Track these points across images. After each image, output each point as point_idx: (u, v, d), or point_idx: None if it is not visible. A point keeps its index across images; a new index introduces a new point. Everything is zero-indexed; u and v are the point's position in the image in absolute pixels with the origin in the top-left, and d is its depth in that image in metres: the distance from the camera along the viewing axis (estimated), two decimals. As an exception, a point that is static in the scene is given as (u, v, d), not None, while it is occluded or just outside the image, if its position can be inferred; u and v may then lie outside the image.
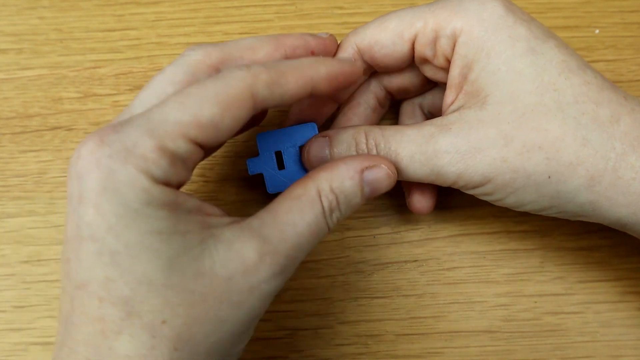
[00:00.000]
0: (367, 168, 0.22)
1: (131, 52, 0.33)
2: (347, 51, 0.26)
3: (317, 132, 0.26)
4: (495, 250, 0.29)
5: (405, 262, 0.29)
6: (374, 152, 0.24)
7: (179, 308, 0.19)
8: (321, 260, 0.29)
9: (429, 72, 0.26)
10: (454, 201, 0.30)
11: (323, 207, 0.21)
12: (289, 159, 0.26)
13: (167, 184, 0.19)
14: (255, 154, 0.26)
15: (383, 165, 0.23)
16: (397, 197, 0.30)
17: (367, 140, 0.24)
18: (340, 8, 0.33)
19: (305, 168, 0.26)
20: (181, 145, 0.19)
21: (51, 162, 0.31)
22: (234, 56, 0.22)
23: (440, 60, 0.25)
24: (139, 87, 0.32)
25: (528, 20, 0.24)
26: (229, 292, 0.19)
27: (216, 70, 0.22)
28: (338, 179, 0.22)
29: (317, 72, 0.22)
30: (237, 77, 0.20)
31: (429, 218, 0.30)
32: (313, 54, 0.24)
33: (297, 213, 0.21)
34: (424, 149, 0.23)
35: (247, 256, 0.20)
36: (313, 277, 0.29)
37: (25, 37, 0.33)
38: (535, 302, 0.29)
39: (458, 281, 0.29)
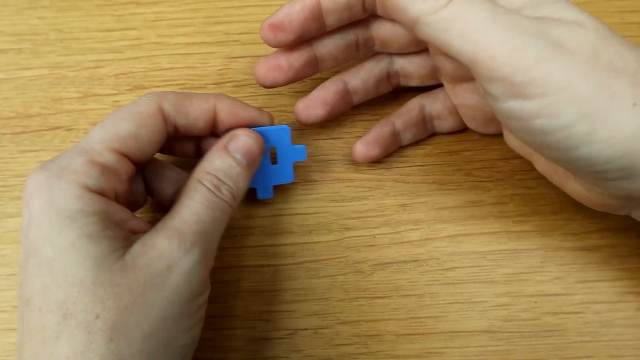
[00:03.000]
0: (228, 142, 0.25)
1: (131, 52, 0.33)
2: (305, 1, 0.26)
3: (289, 134, 0.28)
4: (495, 250, 0.29)
5: (405, 262, 0.29)
6: None
7: (109, 301, 0.20)
8: (321, 260, 0.29)
9: None
10: (454, 201, 0.30)
11: (206, 187, 0.24)
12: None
13: (100, 193, 0.21)
14: None
15: (239, 132, 0.25)
16: (397, 197, 0.30)
17: None
18: (340, 8, 0.33)
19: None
20: (109, 158, 0.22)
21: (51, 162, 0.31)
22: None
23: None
24: (139, 87, 0.32)
25: None
26: (150, 277, 0.21)
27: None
28: (208, 162, 0.24)
29: (221, 103, 0.25)
30: (148, 98, 0.24)
31: (429, 218, 0.30)
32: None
33: (187, 200, 0.23)
34: (512, 17, 0.21)
35: (158, 244, 0.22)
36: (313, 277, 0.29)
37: (25, 37, 0.33)
38: (535, 302, 0.29)
39: (458, 281, 0.29)
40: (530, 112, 0.20)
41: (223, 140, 0.25)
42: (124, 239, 0.22)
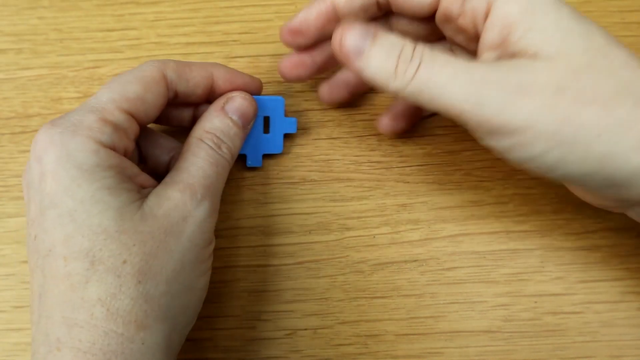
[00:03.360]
0: (225, 103, 0.27)
1: (131, 52, 0.33)
2: (320, 6, 0.26)
3: (283, 105, 0.29)
4: (495, 250, 0.29)
5: (405, 262, 0.29)
6: (415, 64, 0.23)
7: (134, 247, 0.22)
8: (321, 260, 0.29)
9: (448, 32, 0.26)
10: (454, 201, 0.30)
11: (208, 145, 0.25)
12: (254, 126, 0.29)
13: (113, 149, 0.23)
14: None
15: (235, 94, 0.27)
16: (397, 197, 0.30)
17: (414, 50, 0.23)
18: (340, 8, 0.33)
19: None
20: (119, 116, 0.23)
21: (51, 162, 0.31)
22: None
23: (465, 20, 0.24)
24: (138, 87, 0.32)
25: None
26: (169, 226, 0.23)
27: None
28: (208, 121, 0.26)
29: (218, 71, 0.27)
30: (151, 64, 0.25)
31: (429, 218, 0.30)
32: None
33: (192, 157, 0.25)
34: (471, 72, 0.22)
35: (171, 196, 0.23)
36: (313, 277, 0.29)
37: (25, 37, 0.33)
38: (535, 302, 0.29)
39: (458, 281, 0.29)
40: (505, 147, 0.23)
41: (220, 101, 0.27)
42: (138, 191, 0.23)
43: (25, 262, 0.30)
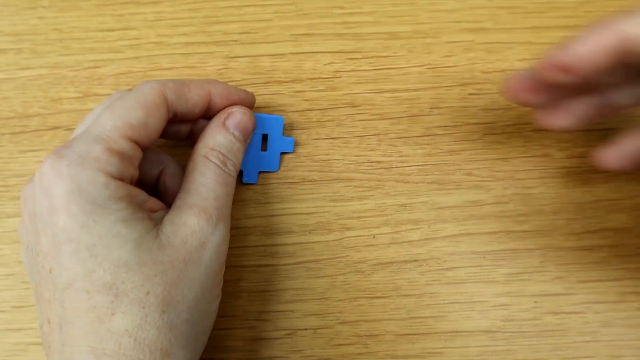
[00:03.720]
0: (225, 119, 0.27)
1: (131, 52, 0.33)
2: (601, 39, 0.21)
3: (282, 125, 0.30)
4: (495, 250, 0.29)
5: (405, 262, 0.29)
6: None
7: (156, 278, 0.22)
8: (321, 260, 0.29)
9: None
10: (454, 201, 0.30)
11: (215, 163, 0.25)
12: (252, 143, 0.30)
13: (121, 179, 0.23)
14: None
15: (235, 109, 0.27)
16: (397, 197, 0.30)
17: None
18: (341, 8, 0.33)
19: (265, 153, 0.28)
20: (124, 145, 0.23)
21: (51, 162, 0.31)
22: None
23: None
24: (138, 87, 0.32)
25: None
26: (187, 254, 0.23)
27: None
28: (211, 138, 0.26)
29: (214, 88, 0.27)
30: (151, 86, 0.25)
31: (429, 218, 0.30)
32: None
33: (201, 176, 0.25)
34: None
35: (188, 222, 0.23)
36: (313, 277, 0.29)
37: (24, 37, 0.33)
38: (535, 302, 0.29)
39: (458, 281, 0.29)
40: None
41: (221, 117, 0.27)
42: (150, 219, 0.23)
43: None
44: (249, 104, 0.28)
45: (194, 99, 0.26)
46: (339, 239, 0.30)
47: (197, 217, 0.23)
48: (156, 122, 0.24)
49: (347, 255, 0.29)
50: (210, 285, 0.24)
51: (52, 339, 0.22)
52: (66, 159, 0.22)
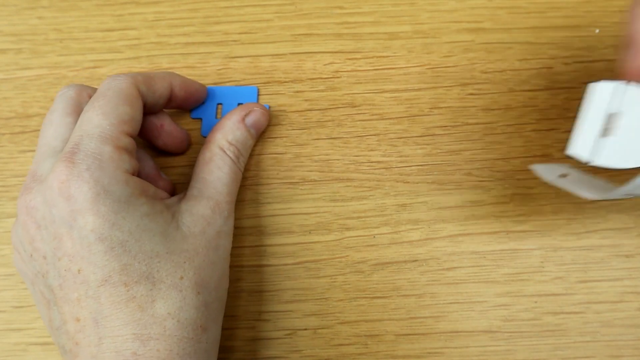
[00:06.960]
0: (246, 115, 0.29)
1: (131, 52, 0.33)
2: None
3: (257, 95, 0.31)
4: (495, 250, 0.29)
5: (405, 262, 0.29)
6: None
7: (185, 264, 0.24)
8: (321, 260, 0.29)
9: None
10: (454, 201, 0.30)
11: (231, 158, 0.27)
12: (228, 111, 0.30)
13: (133, 174, 0.24)
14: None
15: (256, 108, 0.29)
16: (397, 197, 0.30)
17: None
18: (340, 8, 0.33)
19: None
20: (126, 141, 0.24)
21: (51, 162, 0.31)
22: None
23: None
24: (138, 87, 0.32)
25: None
26: (207, 242, 0.25)
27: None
28: (230, 132, 0.28)
29: (175, 80, 0.28)
30: (124, 80, 0.25)
31: (429, 218, 0.30)
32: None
33: (218, 170, 0.27)
34: None
35: (205, 214, 0.26)
36: (313, 277, 0.29)
37: (24, 37, 0.33)
38: (536, 302, 0.29)
39: (458, 281, 0.29)
40: None
41: (241, 113, 0.29)
42: (167, 210, 0.25)
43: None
44: (203, 94, 0.30)
45: (159, 91, 0.27)
46: (339, 239, 0.30)
47: (212, 211, 0.26)
48: (139, 114, 0.26)
49: (347, 256, 0.29)
50: (226, 268, 0.26)
51: (83, 335, 0.23)
52: (83, 163, 0.23)
